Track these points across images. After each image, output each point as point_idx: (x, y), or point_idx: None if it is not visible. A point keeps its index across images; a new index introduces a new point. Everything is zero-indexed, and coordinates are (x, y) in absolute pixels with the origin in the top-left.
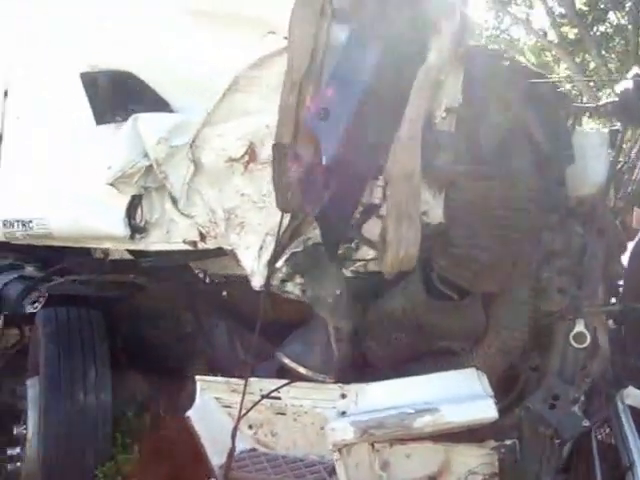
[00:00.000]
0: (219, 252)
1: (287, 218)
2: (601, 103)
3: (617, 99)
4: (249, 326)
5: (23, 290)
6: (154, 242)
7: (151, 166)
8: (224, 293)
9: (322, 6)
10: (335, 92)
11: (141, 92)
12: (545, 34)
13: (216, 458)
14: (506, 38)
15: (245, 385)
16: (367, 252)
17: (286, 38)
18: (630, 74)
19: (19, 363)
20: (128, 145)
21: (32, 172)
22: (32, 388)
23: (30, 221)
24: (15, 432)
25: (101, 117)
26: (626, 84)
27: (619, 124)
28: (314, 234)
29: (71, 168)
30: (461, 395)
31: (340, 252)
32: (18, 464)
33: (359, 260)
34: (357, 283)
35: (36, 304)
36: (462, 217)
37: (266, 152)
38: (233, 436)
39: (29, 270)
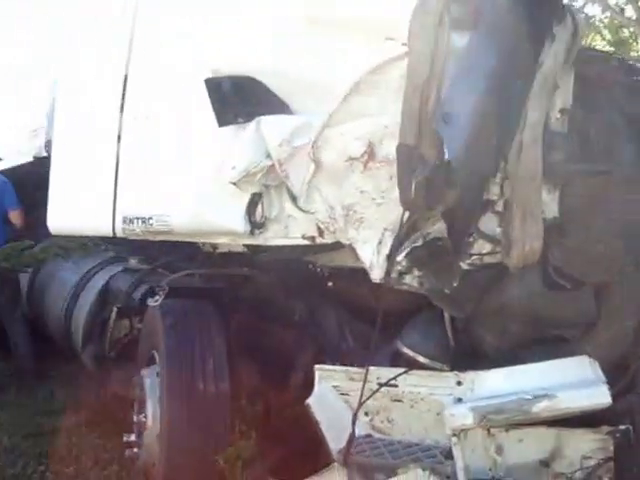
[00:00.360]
0: (334, 246)
1: (407, 214)
2: None
3: None
4: (358, 315)
5: (132, 283)
6: (272, 237)
7: (273, 166)
8: (330, 284)
9: (440, 15)
10: (457, 97)
11: (262, 95)
12: (622, 10)
13: (334, 443)
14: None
15: (366, 374)
16: (483, 246)
17: (405, 44)
18: None
19: (128, 353)
20: (252, 146)
21: (152, 171)
22: (149, 378)
23: (150, 218)
24: (135, 420)
25: (223, 119)
26: None
27: None
28: (433, 229)
29: (192, 167)
30: (575, 381)
31: None
32: (135, 450)
33: (476, 254)
34: (472, 275)
35: (157, 297)
36: (576, 211)
37: (384, 151)
38: (353, 422)
39: (132, 263)
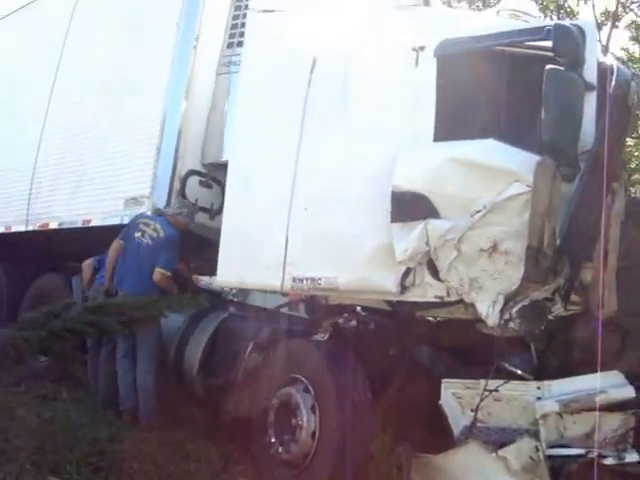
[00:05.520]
0: (449, 304)
1: (517, 285)
2: None
3: None
4: (443, 349)
5: (258, 326)
6: (412, 296)
7: (428, 251)
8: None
9: (554, 173)
10: (565, 223)
11: (426, 206)
12: None
13: (455, 430)
14: None
15: (486, 385)
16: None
17: (529, 186)
18: None
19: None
20: (419, 237)
21: (322, 244)
22: (298, 393)
23: (319, 278)
24: (292, 423)
25: (396, 217)
26: None
27: None
28: (535, 294)
29: (362, 245)
30: (613, 384)
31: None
32: (282, 447)
33: (575, 303)
34: (550, 322)
35: (322, 335)
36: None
37: (504, 247)
38: (475, 414)
39: (232, 310)
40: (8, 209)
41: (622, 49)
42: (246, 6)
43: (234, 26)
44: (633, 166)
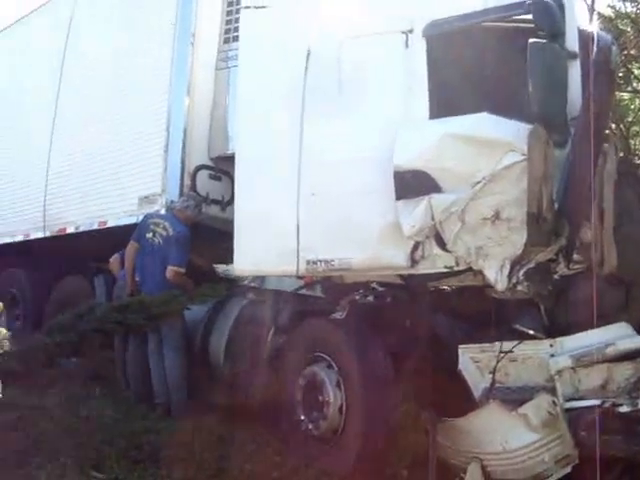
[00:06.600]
0: (459, 273)
1: (521, 249)
2: None
3: None
4: (457, 316)
5: (276, 311)
6: (423, 268)
7: (434, 225)
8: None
9: (546, 139)
10: (561, 186)
11: (428, 182)
12: None
13: (476, 392)
14: None
15: (500, 347)
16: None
17: (524, 155)
18: None
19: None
20: (425, 212)
21: (334, 226)
22: (322, 371)
23: (332, 260)
24: (320, 399)
25: (400, 195)
26: None
27: None
28: (539, 257)
29: (371, 225)
30: (622, 335)
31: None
32: (312, 424)
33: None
34: (556, 282)
35: (341, 313)
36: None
37: (505, 215)
38: (493, 377)
39: (251, 296)
40: (25, 218)
41: (609, 6)
42: (238, 1)
43: (229, 22)
44: (630, 119)
